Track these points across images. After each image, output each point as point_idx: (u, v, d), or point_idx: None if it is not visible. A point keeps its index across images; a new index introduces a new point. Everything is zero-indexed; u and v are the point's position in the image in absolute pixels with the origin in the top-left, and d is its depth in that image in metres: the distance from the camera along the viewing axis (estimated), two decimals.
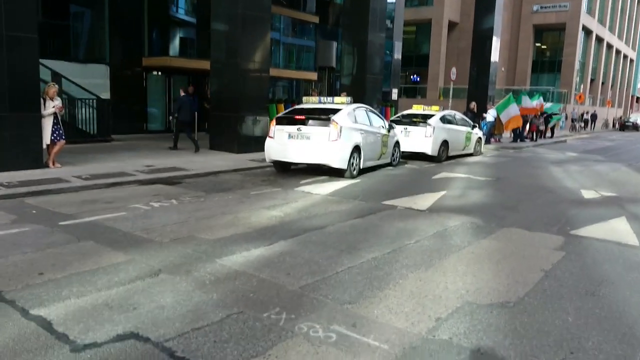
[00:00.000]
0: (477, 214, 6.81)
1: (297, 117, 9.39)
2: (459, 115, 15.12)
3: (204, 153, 12.26)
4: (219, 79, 12.86)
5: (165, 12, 17.11)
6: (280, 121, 9.57)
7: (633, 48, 61.87)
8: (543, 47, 44.06)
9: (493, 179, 10.33)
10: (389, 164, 11.57)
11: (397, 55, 28.93)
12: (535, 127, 21.82)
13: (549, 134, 24.81)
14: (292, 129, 9.29)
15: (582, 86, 41.41)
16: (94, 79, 14.56)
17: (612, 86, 54.73)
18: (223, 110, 12.64)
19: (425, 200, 7.58)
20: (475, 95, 24.91)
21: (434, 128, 13.12)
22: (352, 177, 9.46)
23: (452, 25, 41.03)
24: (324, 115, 9.26)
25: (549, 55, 44.05)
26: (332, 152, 9.08)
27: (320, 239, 5.21)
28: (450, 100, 21.37)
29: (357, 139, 9.57)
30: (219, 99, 12.90)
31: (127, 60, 16.07)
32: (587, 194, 8.79)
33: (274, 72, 20.38)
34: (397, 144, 11.79)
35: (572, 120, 29.18)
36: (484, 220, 6.42)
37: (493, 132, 20.49)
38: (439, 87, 41.10)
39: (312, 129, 9.19)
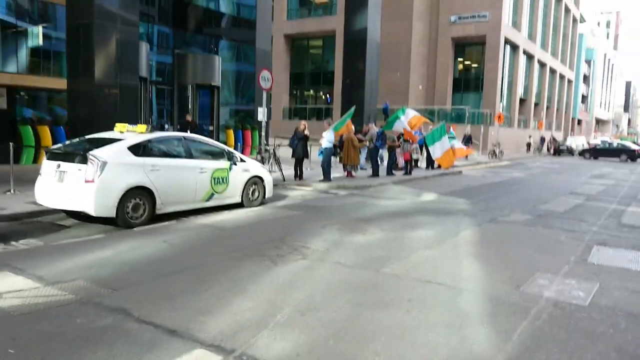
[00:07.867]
0: None
1: None
2: (197, 139, 8.75)
3: None
4: None
5: None
6: None
7: (571, 68, 58.34)
8: (466, 62, 39.19)
9: (54, 301, 3.95)
10: None
11: (263, 66, 22.90)
12: (409, 155, 15.86)
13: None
14: None
15: (502, 105, 36.36)
16: None
17: (548, 107, 50.51)
18: None
19: None
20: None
21: (104, 165, 6.80)
22: None
23: None
24: None
25: (473, 73, 39.14)
26: None
27: None
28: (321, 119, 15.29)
29: None
30: None
31: None
32: None
33: (45, 82, 13.87)
34: None
35: (465, 142, 23.68)
36: None
37: (344, 162, 14.43)
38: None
39: None
